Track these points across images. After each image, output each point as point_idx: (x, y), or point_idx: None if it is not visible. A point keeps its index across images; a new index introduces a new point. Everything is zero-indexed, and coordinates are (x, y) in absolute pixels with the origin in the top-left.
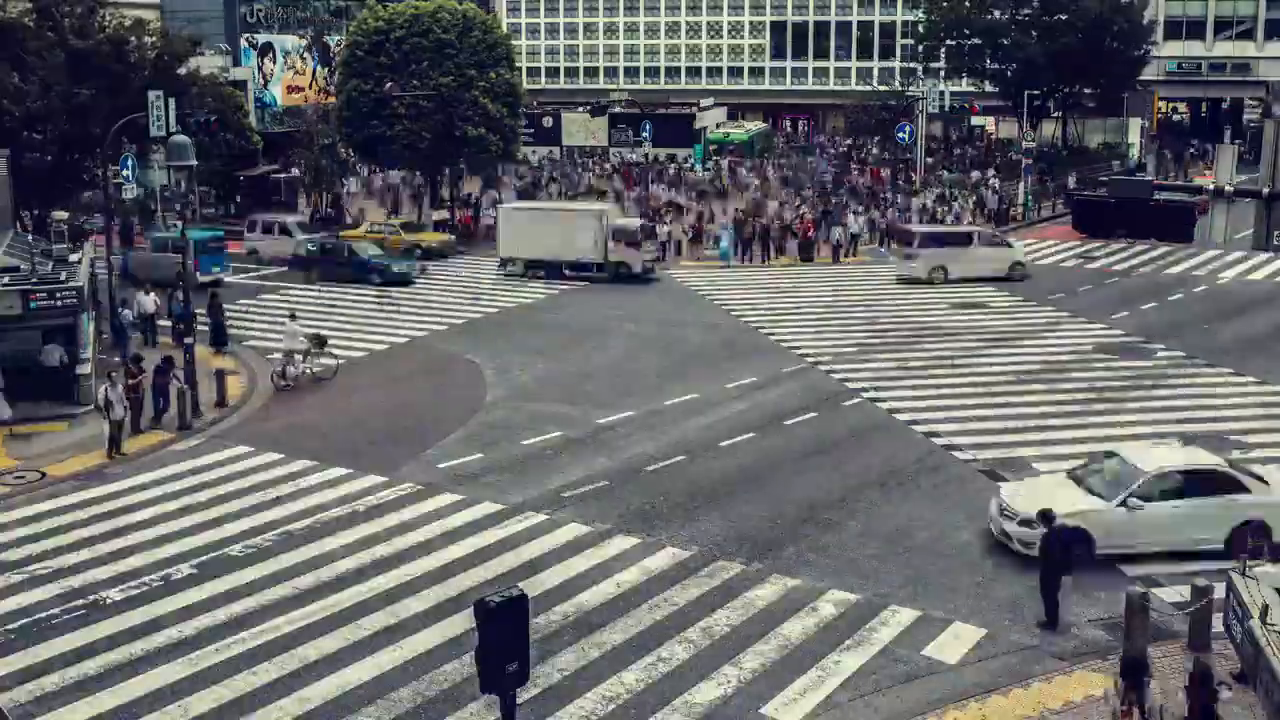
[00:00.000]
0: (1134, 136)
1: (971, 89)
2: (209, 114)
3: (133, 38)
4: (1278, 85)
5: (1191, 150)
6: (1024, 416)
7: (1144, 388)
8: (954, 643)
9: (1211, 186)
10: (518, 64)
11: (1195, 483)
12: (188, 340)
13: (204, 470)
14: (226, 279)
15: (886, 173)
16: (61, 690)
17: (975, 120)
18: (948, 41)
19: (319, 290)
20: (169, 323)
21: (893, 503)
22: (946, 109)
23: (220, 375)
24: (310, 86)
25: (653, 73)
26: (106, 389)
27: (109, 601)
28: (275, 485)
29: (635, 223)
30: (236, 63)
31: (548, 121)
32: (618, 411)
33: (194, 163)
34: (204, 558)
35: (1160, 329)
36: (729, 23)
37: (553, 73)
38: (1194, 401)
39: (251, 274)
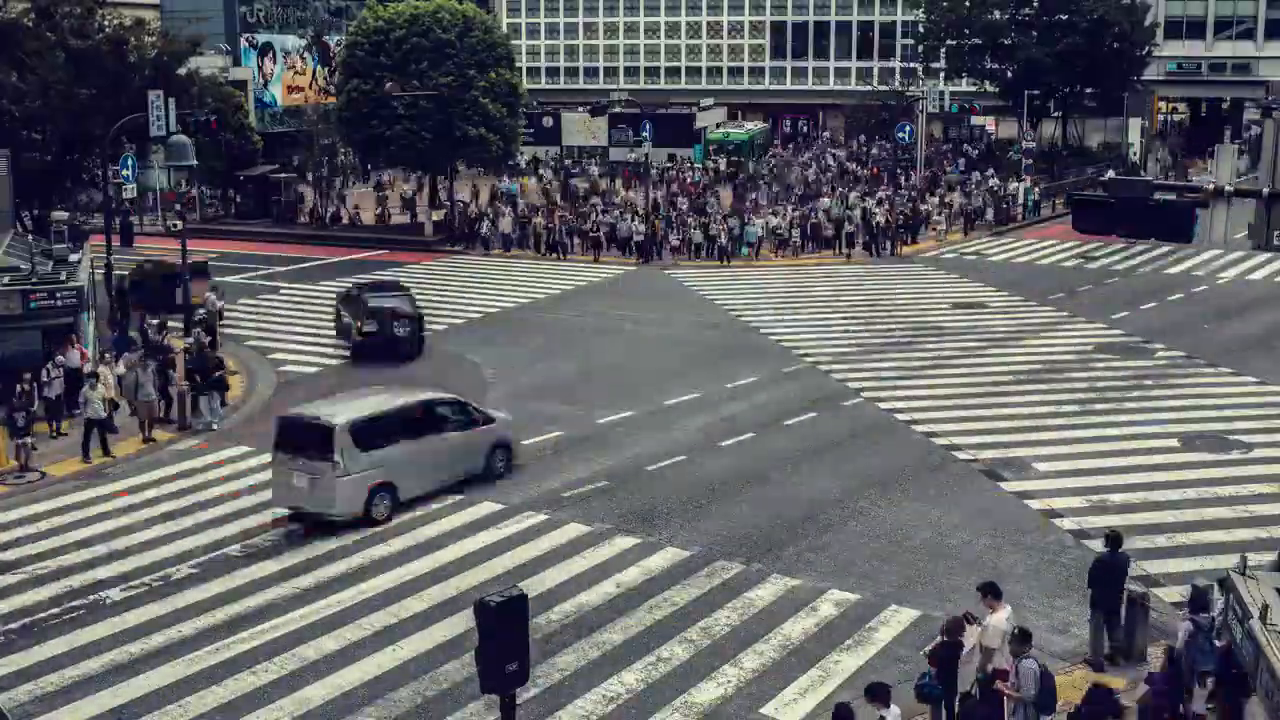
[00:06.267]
0: (1134, 136)
1: (972, 89)
2: (209, 114)
3: (132, 38)
4: (1278, 85)
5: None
6: (1024, 416)
7: (1144, 388)
8: None
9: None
10: (518, 64)
11: None
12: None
13: (204, 470)
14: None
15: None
16: (61, 690)
17: (975, 120)
18: (948, 41)
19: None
20: None
21: (893, 503)
22: (946, 109)
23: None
24: (310, 86)
25: (653, 73)
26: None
27: (109, 601)
28: None
29: None
30: (236, 63)
31: (548, 121)
32: (618, 411)
33: (194, 163)
34: (204, 558)
35: (1160, 329)
36: (729, 23)
37: (553, 73)
38: (1194, 401)
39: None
